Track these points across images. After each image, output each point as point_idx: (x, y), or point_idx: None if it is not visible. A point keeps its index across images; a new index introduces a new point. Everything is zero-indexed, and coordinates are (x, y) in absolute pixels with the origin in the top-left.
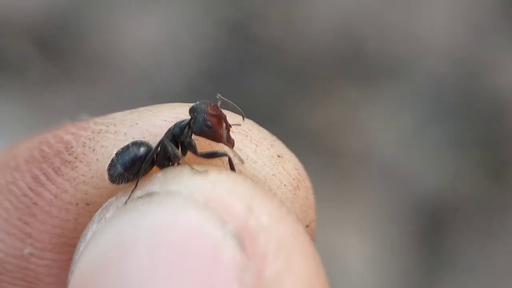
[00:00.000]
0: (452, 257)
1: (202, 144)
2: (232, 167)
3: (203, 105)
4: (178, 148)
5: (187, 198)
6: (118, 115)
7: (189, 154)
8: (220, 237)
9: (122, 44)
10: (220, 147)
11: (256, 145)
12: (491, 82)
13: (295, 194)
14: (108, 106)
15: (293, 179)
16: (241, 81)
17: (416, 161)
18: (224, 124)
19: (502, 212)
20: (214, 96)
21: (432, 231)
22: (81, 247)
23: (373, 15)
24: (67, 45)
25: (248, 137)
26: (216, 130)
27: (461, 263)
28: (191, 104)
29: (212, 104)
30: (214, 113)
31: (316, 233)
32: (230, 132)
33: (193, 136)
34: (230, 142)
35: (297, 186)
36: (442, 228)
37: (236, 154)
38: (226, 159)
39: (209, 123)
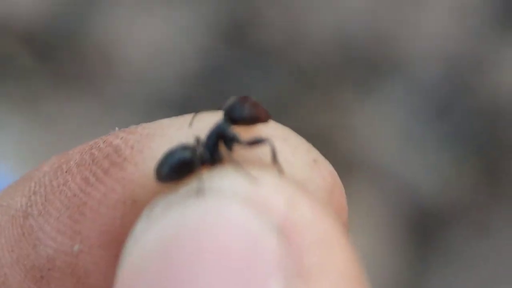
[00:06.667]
0: (445, 258)
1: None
2: (274, 156)
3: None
4: (221, 144)
5: (230, 193)
6: (165, 120)
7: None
8: (261, 229)
9: (118, 48)
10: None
11: (294, 149)
12: (486, 80)
13: (330, 198)
14: (107, 110)
15: (328, 183)
16: (238, 84)
17: (409, 163)
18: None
19: (498, 212)
20: (210, 100)
21: (425, 233)
22: (129, 242)
23: (365, 16)
24: (62, 49)
25: (287, 141)
26: (256, 110)
27: (454, 265)
28: None
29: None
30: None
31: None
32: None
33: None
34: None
35: (332, 190)
36: (435, 231)
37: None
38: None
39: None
